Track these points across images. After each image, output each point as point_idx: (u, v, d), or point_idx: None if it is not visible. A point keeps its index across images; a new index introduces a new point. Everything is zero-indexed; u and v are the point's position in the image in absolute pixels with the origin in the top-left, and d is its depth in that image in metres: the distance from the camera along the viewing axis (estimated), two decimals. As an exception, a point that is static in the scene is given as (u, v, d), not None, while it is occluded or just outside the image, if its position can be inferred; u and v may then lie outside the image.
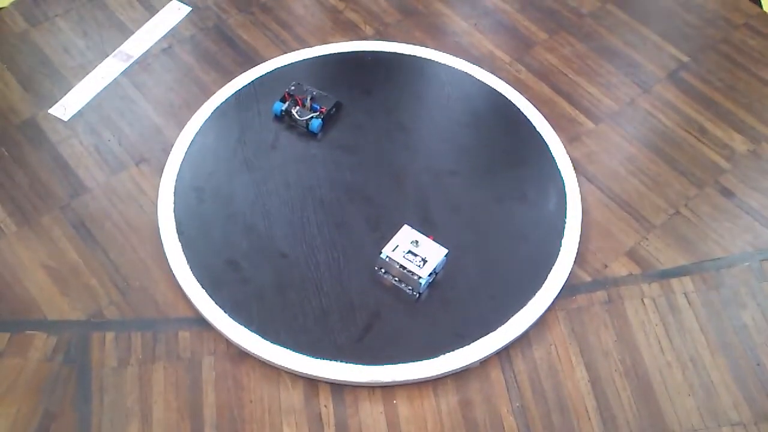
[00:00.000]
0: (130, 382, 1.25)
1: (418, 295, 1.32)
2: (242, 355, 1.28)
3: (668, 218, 1.47)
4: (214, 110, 1.60)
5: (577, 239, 1.41)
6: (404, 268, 1.32)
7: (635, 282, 1.38)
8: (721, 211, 1.49)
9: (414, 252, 1.33)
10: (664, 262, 1.41)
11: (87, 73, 1.69)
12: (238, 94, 1.64)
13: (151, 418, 1.21)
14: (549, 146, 1.55)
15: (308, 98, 1.57)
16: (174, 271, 1.36)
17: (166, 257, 1.38)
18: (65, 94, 1.65)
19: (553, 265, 1.37)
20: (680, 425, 1.21)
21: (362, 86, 1.66)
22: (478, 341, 1.28)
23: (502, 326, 1.29)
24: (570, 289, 1.36)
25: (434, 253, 1.33)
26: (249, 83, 1.66)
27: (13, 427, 1.19)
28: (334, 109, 1.59)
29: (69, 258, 1.39)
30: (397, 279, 1.34)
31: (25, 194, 1.48)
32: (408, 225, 1.37)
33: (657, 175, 1.54)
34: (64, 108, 1.62)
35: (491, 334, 1.28)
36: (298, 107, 1.57)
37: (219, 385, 1.25)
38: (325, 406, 1.23)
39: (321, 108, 1.57)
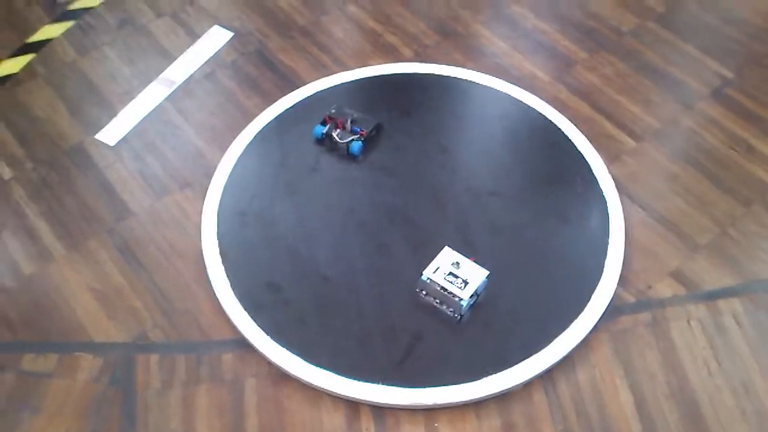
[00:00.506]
0: (174, 404, 1.26)
1: (459, 317, 1.32)
2: (284, 378, 1.29)
3: (714, 238, 1.44)
4: (256, 134, 1.63)
5: (621, 260, 1.39)
6: (445, 290, 1.31)
7: (681, 303, 1.36)
8: (769, 230, 1.46)
9: (455, 274, 1.33)
10: (711, 282, 1.38)
11: (132, 99, 1.73)
12: (280, 117, 1.66)
13: (195, 440, 1.22)
14: (590, 165, 1.53)
15: (348, 121, 1.59)
16: (217, 294, 1.37)
17: (209, 280, 1.40)
18: (111, 120, 1.69)
19: (596, 286, 1.35)
20: (731, 451, 1.18)
21: (402, 108, 1.67)
22: (521, 364, 1.26)
23: (545, 348, 1.28)
24: (614, 310, 1.34)
25: (475, 274, 1.33)
26: (290, 107, 1.68)
27: (61, 448, 1.22)
28: (374, 131, 1.60)
29: (114, 281, 1.42)
30: (438, 301, 1.34)
31: (74, 218, 1.51)
32: (449, 247, 1.37)
33: (701, 194, 1.52)
34: (110, 133, 1.66)
35: (534, 357, 1.27)
36: (338, 130, 1.58)
37: (261, 408, 1.25)
38: (367, 428, 1.23)
39: (361, 130, 1.58)
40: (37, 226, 1.50)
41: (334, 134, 1.57)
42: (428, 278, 1.33)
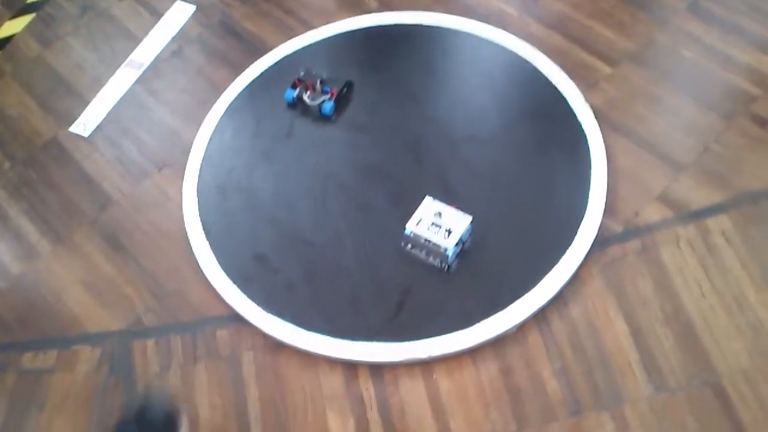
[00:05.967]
0: (175, 385, 1.27)
1: (447, 267, 1.31)
2: (280, 347, 1.29)
3: (698, 156, 1.41)
4: (228, 106, 1.61)
5: (604, 190, 1.37)
6: (429, 241, 1.30)
7: (669, 226, 1.34)
8: (754, 140, 1.42)
9: (438, 224, 1.31)
10: (698, 201, 1.36)
11: (102, 87, 1.71)
12: (250, 86, 1.64)
13: (198, 419, 1.23)
14: (566, 97, 1.50)
15: (318, 81, 1.56)
16: (205, 272, 1.38)
17: (196, 258, 1.40)
18: (83, 111, 1.67)
19: (582, 219, 1.34)
20: (728, 367, 1.17)
21: (371, 62, 1.64)
22: (513, 305, 1.26)
23: (536, 288, 1.27)
24: (602, 242, 1.33)
25: (459, 221, 1.32)
26: (259, 75, 1.65)
27: (69, 440, 1.24)
28: (345, 89, 1.57)
29: (104, 271, 1.42)
30: (424, 253, 1.33)
31: (56, 213, 1.51)
32: (430, 196, 1.36)
33: (683, 113, 1.48)
34: (84, 124, 1.65)
35: (525, 297, 1.26)
36: (309, 92, 1.56)
37: (260, 379, 1.26)
38: (366, 388, 1.23)
39: (332, 90, 1.55)
40: (21, 225, 1.51)
41: (305, 97, 1.55)
42: (411, 232, 1.32)
